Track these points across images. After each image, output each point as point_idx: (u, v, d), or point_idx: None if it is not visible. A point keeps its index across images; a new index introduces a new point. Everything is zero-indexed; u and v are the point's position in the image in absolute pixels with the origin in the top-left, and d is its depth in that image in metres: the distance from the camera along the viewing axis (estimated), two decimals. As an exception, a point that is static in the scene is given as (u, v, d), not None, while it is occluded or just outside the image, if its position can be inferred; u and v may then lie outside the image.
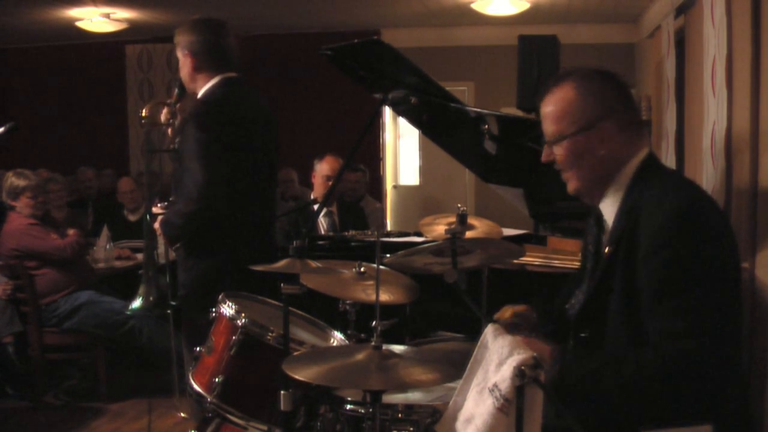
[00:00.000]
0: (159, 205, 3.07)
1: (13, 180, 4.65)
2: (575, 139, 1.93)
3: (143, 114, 3.13)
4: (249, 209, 3.10)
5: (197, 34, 3.06)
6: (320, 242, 4.04)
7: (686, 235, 1.76)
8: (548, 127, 1.98)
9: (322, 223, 4.80)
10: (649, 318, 1.77)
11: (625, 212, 1.90)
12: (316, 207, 4.65)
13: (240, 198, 3.03)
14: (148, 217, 3.06)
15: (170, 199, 3.06)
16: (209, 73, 3.08)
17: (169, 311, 3.20)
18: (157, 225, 3.05)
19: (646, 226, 1.82)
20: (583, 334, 1.96)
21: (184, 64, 3.10)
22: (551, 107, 1.97)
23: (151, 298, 2.97)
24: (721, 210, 1.96)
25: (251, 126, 3.08)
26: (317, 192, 4.83)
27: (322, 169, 4.80)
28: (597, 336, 1.92)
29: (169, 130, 3.16)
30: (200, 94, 3.10)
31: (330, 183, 4.71)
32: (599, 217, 2.04)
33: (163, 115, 3.18)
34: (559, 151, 1.97)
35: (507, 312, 2.18)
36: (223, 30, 3.11)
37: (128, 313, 3.08)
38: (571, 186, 2.01)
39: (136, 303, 3.00)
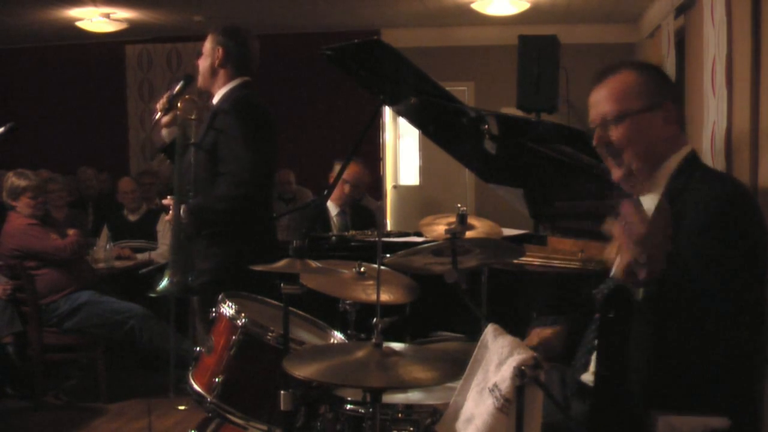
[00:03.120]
0: (169, 197, 3.15)
1: (13, 180, 4.65)
2: (639, 116, 1.94)
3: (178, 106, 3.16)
4: (264, 204, 3.31)
5: (235, 39, 3.25)
6: (323, 242, 4.04)
7: (728, 229, 1.77)
8: (606, 108, 1.98)
9: (335, 222, 4.80)
10: (684, 305, 1.75)
11: (668, 200, 1.90)
12: (329, 206, 4.70)
13: (267, 190, 3.27)
14: (178, 203, 3.10)
15: (187, 188, 3.10)
16: (231, 73, 3.25)
17: (188, 296, 3.27)
18: (180, 213, 3.09)
19: (688, 216, 1.82)
20: (610, 315, 1.95)
21: (210, 57, 3.25)
22: (608, 90, 1.98)
23: (175, 280, 3.02)
24: (759, 207, 1.96)
25: (270, 126, 3.26)
26: (334, 193, 4.83)
27: (345, 176, 4.78)
28: (623, 318, 1.91)
29: (163, 119, 3.26)
30: (224, 91, 3.24)
31: (349, 186, 4.73)
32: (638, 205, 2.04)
33: (160, 104, 3.26)
34: (616, 132, 1.96)
35: (534, 339, 2.19)
36: (254, 40, 3.34)
37: (153, 295, 3.14)
38: (617, 173, 2.01)
39: (162, 284, 3.04)
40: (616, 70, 2.01)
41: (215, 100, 3.26)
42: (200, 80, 3.30)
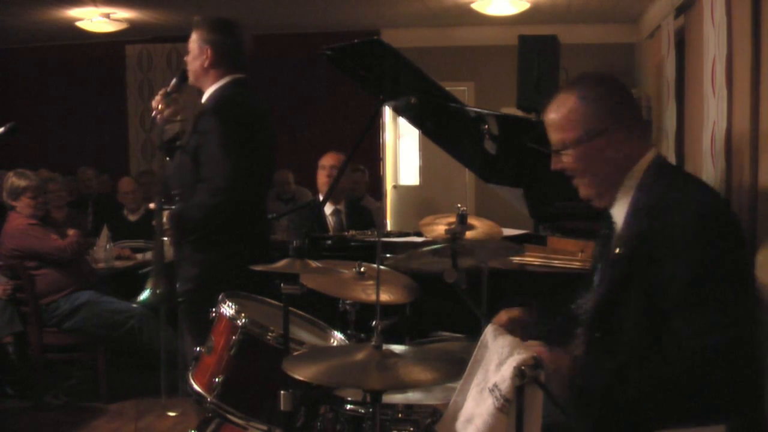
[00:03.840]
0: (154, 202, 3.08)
1: (14, 180, 4.65)
2: (582, 146, 1.94)
3: (158, 108, 3.13)
4: (255, 206, 3.18)
5: (223, 34, 3.12)
6: (322, 242, 4.04)
7: (714, 234, 1.77)
8: (553, 136, 2.00)
9: (330, 221, 4.81)
10: (676, 317, 1.76)
11: (637, 212, 1.90)
12: (325, 205, 4.69)
13: (251, 194, 3.10)
14: (160, 210, 3.06)
15: (173, 192, 3.07)
16: (222, 72, 3.13)
17: (173, 306, 3.23)
18: (162, 219, 3.05)
19: (669, 226, 1.81)
20: (597, 335, 1.95)
21: (199, 57, 3.13)
22: (554, 115, 1.99)
23: (158, 291, 2.99)
24: (734, 213, 1.98)
25: (259, 126, 3.15)
26: (319, 186, 4.86)
27: (321, 161, 4.84)
28: (611, 336, 1.91)
29: (158, 117, 3.16)
30: (211, 91, 3.14)
31: (324, 171, 4.74)
32: (609, 220, 2.04)
33: (156, 102, 3.17)
34: (567, 159, 1.98)
35: (503, 317, 2.19)
36: (244, 33, 3.19)
37: (135, 305, 3.09)
38: (583, 192, 2.02)
39: (144, 295, 3.02)
40: (561, 91, 2.00)
41: (204, 99, 3.17)
42: (191, 78, 3.19)
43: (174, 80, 3.19)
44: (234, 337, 2.35)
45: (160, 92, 3.18)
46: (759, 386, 1.86)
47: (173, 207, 3.05)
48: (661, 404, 1.74)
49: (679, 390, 1.71)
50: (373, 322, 1.91)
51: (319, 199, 4.86)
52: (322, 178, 4.81)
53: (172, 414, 4.31)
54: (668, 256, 1.79)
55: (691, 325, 1.72)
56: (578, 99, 1.94)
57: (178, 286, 3.15)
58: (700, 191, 1.87)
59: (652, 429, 1.75)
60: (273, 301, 2.63)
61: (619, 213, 1.98)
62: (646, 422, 1.77)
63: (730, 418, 1.74)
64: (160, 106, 3.12)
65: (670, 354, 1.72)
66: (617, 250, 1.93)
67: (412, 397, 2.30)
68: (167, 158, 3.29)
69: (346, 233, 4.21)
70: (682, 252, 1.77)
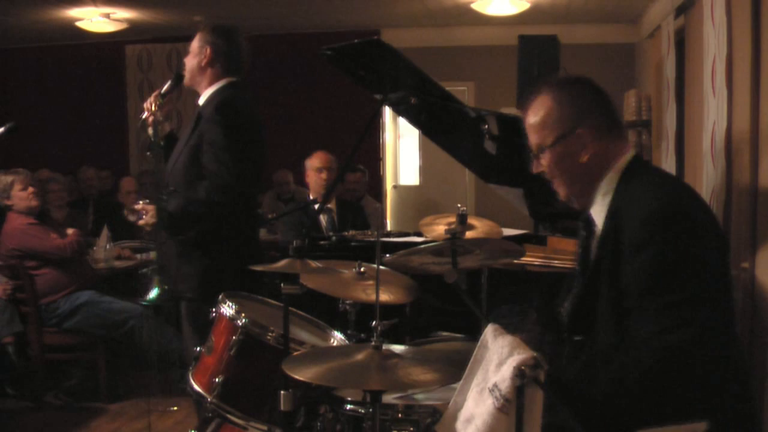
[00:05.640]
0: (141, 203, 3.12)
1: (2, 178, 4.66)
2: (556, 147, 1.97)
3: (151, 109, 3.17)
4: (249, 206, 3.22)
5: (223, 38, 3.20)
6: (321, 242, 4.04)
7: (666, 233, 1.77)
8: (532, 139, 2.03)
9: (321, 221, 4.80)
10: (636, 317, 1.78)
11: (610, 215, 1.92)
12: (326, 205, 4.71)
13: (249, 193, 3.16)
14: (161, 208, 3.08)
15: (171, 189, 3.08)
16: (218, 73, 3.19)
17: (176, 304, 3.25)
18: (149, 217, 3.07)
19: (627, 227, 1.84)
20: (576, 338, 1.97)
21: (198, 56, 3.19)
22: (530, 119, 2.02)
23: (165, 287, 3.01)
24: (705, 205, 1.97)
25: (255, 129, 3.19)
26: (313, 188, 4.84)
27: (312, 162, 4.83)
28: (590, 338, 1.93)
29: (150, 119, 3.21)
30: (208, 93, 3.19)
31: (321, 174, 4.74)
32: (588, 221, 2.05)
33: (148, 103, 3.22)
34: (544, 161, 2.01)
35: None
36: (243, 40, 3.27)
37: (145, 303, 3.13)
38: (562, 193, 2.06)
39: (153, 293, 3.03)
40: (535, 94, 2.02)
41: (201, 101, 3.21)
42: (187, 78, 3.24)
43: (169, 82, 3.23)
44: (234, 337, 2.35)
45: (154, 93, 3.23)
46: (742, 382, 1.86)
47: (165, 203, 3.06)
48: (631, 403, 1.74)
49: (647, 389, 1.72)
50: (373, 323, 1.91)
51: (316, 199, 4.86)
52: (312, 177, 4.79)
53: (173, 409, 4.34)
54: (628, 256, 1.81)
55: (650, 324, 1.73)
56: (554, 101, 1.97)
57: (179, 283, 3.16)
58: (655, 190, 1.87)
59: (631, 428, 1.76)
60: (273, 301, 2.63)
61: (598, 214, 1.99)
62: (622, 421, 1.77)
63: (710, 415, 1.74)
64: (153, 107, 3.15)
65: (634, 354, 1.73)
66: (595, 253, 1.94)
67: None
68: (160, 156, 3.31)
69: (346, 233, 4.22)
70: (637, 252, 1.78)
